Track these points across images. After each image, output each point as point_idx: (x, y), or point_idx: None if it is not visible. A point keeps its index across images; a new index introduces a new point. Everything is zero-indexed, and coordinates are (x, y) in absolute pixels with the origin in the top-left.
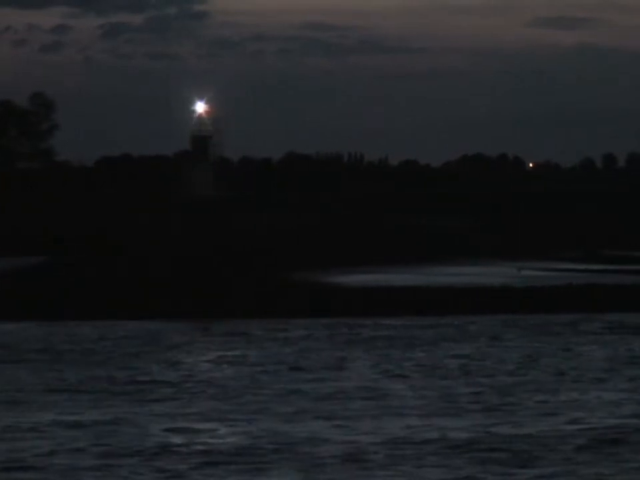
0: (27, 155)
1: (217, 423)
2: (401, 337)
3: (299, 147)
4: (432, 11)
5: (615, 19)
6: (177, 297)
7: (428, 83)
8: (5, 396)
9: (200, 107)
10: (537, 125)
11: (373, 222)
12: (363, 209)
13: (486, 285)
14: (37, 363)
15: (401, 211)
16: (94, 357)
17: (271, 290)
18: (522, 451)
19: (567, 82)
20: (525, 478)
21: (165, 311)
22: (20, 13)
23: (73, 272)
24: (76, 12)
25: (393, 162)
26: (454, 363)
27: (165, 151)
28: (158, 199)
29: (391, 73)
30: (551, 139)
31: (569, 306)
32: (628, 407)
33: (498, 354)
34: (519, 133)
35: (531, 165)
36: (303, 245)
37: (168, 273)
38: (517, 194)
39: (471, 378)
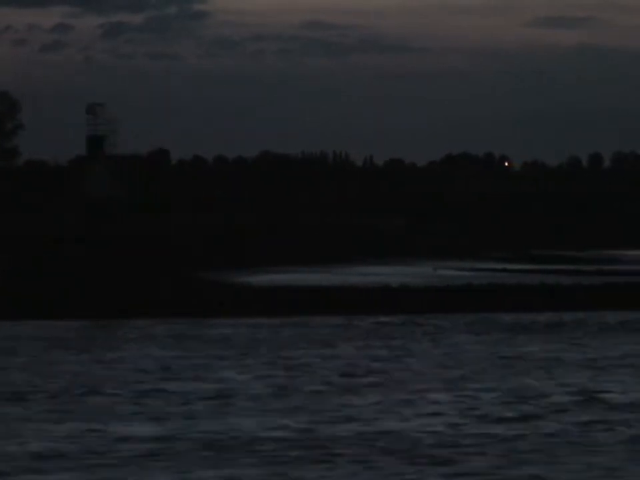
0: None
1: (45, 424)
2: (273, 338)
3: (299, 146)
4: (432, 10)
5: (615, 19)
6: (81, 296)
7: (428, 83)
8: None
9: (94, 107)
10: (537, 125)
11: (309, 222)
12: (307, 208)
13: (386, 285)
14: None
15: (347, 210)
16: None
17: (179, 290)
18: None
19: (567, 82)
20: None
21: (68, 311)
22: (20, 13)
23: None
24: (76, 11)
25: (378, 161)
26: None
27: None
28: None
29: (391, 72)
30: (550, 139)
31: (463, 305)
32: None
33: (355, 355)
34: (519, 133)
35: (506, 164)
36: (226, 244)
37: (71, 273)
38: (482, 194)
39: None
